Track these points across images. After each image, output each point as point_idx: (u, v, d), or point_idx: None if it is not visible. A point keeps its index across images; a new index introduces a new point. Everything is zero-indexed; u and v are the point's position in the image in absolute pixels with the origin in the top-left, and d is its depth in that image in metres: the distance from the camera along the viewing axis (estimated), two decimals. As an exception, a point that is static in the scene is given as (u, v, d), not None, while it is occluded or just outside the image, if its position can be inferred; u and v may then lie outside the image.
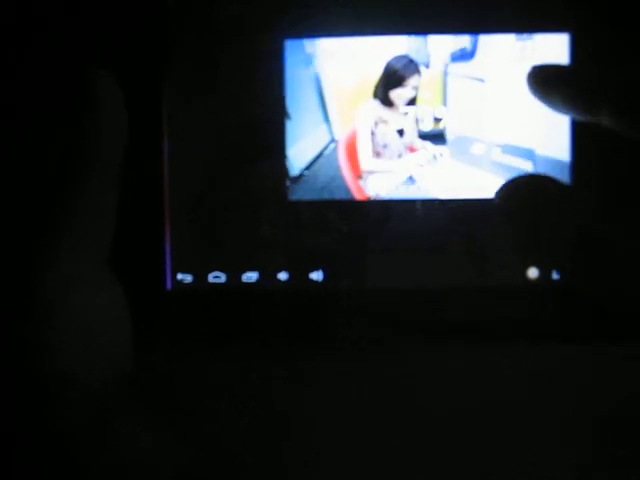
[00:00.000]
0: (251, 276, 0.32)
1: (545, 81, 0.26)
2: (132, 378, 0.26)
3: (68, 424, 0.23)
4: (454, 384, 0.32)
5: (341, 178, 0.32)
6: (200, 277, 0.32)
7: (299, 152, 0.32)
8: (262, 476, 0.33)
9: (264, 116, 0.32)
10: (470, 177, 0.32)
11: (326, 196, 0.32)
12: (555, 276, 0.31)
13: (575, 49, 0.31)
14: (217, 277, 0.32)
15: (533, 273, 0.31)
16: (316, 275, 0.32)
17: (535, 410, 0.32)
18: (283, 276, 0.32)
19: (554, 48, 0.31)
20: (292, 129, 0.32)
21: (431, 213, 0.32)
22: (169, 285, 0.32)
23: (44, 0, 0.31)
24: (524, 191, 0.24)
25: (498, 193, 0.25)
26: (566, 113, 0.26)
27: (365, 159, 0.32)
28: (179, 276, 0.32)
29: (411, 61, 0.32)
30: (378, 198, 0.32)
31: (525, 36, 0.31)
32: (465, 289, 0.31)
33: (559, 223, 0.23)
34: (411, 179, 0.32)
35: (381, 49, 0.32)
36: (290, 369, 0.32)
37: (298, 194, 0.32)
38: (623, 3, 0.31)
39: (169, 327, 0.31)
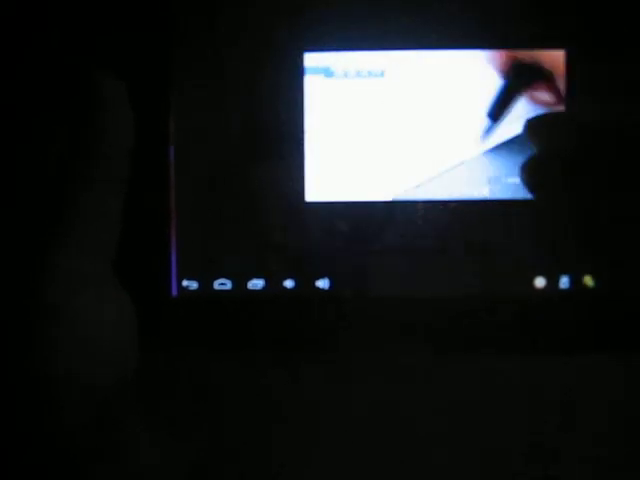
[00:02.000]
0: (257, 283, 0.32)
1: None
2: (135, 384, 0.26)
3: (68, 426, 0.24)
4: (461, 392, 0.33)
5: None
6: (206, 284, 0.32)
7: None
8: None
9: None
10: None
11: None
12: (563, 285, 0.31)
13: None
14: (223, 284, 0.32)
15: (540, 282, 0.31)
16: (322, 283, 0.32)
17: (538, 419, 0.33)
18: (289, 284, 0.32)
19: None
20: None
21: (440, 219, 0.31)
22: (174, 292, 0.32)
23: (50, 2, 0.30)
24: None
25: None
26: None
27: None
28: (184, 283, 0.32)
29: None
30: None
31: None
32: (472, 298, 0.31)
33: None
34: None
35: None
36: (295, 377, 0.33)
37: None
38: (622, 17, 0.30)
39: (174, 334, 0.32)
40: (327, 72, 0.32)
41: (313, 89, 0.32)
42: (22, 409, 0.23)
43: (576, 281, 0.31)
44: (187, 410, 0.34)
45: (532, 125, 0.29)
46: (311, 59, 0.32)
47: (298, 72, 0.32)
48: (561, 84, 0.31)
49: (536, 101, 0.31)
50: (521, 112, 0.31)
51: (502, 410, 0.34)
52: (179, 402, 0.34)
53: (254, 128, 0.32)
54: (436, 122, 0.32)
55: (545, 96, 0.31)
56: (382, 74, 0.32)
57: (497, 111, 0.31)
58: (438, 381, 0.34)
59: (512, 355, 0.33)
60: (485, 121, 0.31)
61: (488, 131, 0.31)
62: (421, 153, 0.32)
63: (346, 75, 0.32)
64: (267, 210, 0.32)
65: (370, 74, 0.32)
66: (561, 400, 0.34)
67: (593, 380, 0.34)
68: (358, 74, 0.32)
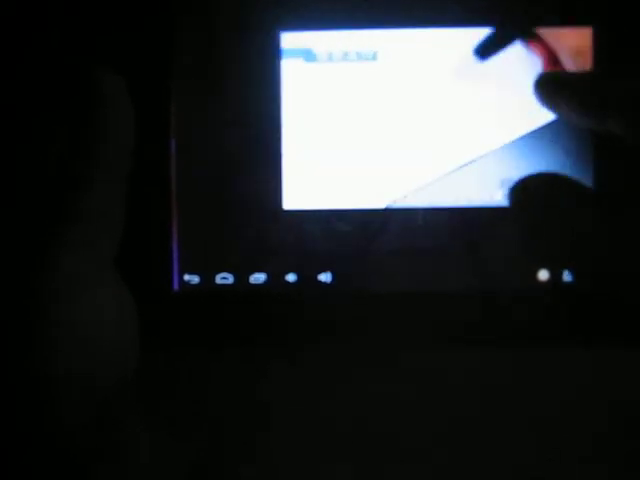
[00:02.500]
0: (259, 277, 0.31)
1: (551, 89, 0.26)
2: (136, 380, 0.26)
3: (68, 426, 0.23)
4: (465, 388, 0.33)
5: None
6: (207, 278, 0.32)
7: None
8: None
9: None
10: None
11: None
12: (566, 278, 0.31)
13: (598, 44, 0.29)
14: (224, 278, 0.32)
15: (544, 275, 0.31)
16: (324, 277, 0.31)
17: (542, 413, 0.33)
18: (291, 278, 0.31)
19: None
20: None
21: (441, 222, 0.31)
22: (176, 286, 0.32)
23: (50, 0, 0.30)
24: (537, 191, 0.24)
25: (511, 191, 0.24)
26: (573, 122, 0.26)
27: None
28: (186, 277, 0.32)
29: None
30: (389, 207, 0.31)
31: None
32: (475, 292, 0.31)
33: (572, 224, 0.23)
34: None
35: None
36: (297, 371, 0.33)
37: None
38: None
39: (175, 328, 0.32)
40: (308, 55, 0.29)
41: (292, 75, 0.29)
42: (22, 409, 0.23)
43: (579, 275, 0.31)
44: (187, 409, 0.33)
45: (541, 83, 0.28)
46: (289, 40, 0.29)
47: (273, 55, 0.29)
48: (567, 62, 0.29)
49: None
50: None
51: (504, 406, 0.34)
52: (179, 401, 0.33)
53: (239, 121, 0.31)
54: (439, 114, 0.29)
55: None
56: (374, 57, 0.29)
57: (485, 50, 0.29)
58: (441, 376, 0.34)
59: (514, 349, 0.33)
60: (472, 58, 0.29)
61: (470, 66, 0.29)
62: (422, 151, 0.30)
63: (331, 58, 0.29)
64: (268, 205, 0.32)
65: (360, 57, 0.29)
66: (564, 395, 0.34)
67: (596, 374, 0.33)
68: (345, 57, 0.29)
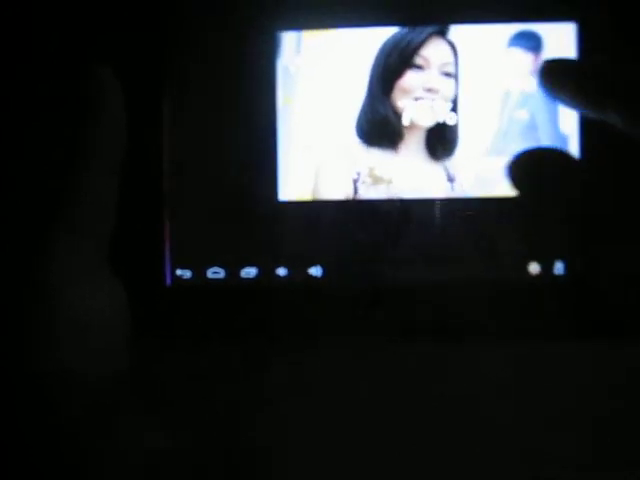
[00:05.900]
0: (250, 272, 0.32)
1: (554, 76, 0.26)
2: (129, 374, 0.26)
3: (64, 419, 0.24)
4: (453, 381, 0.33)
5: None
6: (199, 273, 0.32)
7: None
8: (263, 475, 0.34)
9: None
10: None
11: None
12: (557, 271, 0.31)
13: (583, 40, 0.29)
14: (216, 273, 0.32)
15: (535, 269, 0.31)
16: (315, 271, 0.31)
17: (534, 408, 0.33)
18: (282, 272, 0.32)
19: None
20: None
21: (435, 212, 0.31)
22: (168, 281, 0.32)
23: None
24: (534, 165, 0.24)
25: (509, 166, 0.24)
26: (575, 109, 0.26)
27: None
28: (178, 272, 0.32)
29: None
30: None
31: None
32: (465, 285, 0.31)
33: (567, 204, 0.23)
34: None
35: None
36: (288, 365, 0.33)
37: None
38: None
39: (168, 323, 0.32)
40: None
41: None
42: (17, 406, 0.23)
43: (571, 267, 0.31)
44: (179, 403, 0.33)
45: (545, 70, 0.27)
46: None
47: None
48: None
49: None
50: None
51: (496, 398, 0.34)
52: (171, 396, 0.33)
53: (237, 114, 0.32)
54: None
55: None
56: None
57: None
58: (433, 369, 0.33)
59: (506, 342, 0.32)
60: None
61: None
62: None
63: None
64: (259, 199, 0.32)
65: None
66: (559, 388, 0.33)
67: (588, 366, 0.33)
68: None
